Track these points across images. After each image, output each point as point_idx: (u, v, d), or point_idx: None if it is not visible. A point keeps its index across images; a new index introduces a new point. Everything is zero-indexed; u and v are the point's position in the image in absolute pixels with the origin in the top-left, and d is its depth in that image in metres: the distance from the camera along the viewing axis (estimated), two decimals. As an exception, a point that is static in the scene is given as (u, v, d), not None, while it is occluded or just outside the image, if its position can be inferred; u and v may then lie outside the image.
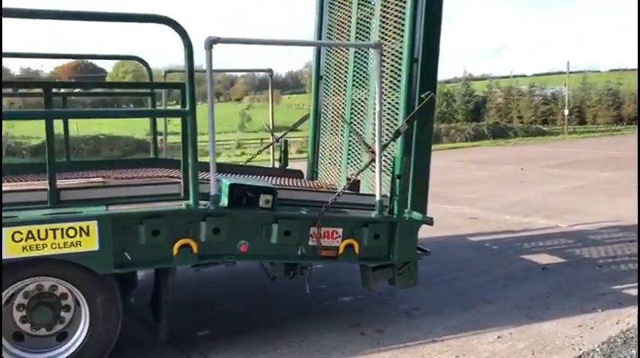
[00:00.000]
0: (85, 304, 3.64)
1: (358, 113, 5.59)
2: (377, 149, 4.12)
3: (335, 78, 6.13)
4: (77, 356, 3.62)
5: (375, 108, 4.99)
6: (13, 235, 3.30)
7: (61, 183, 4.48)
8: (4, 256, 3.29)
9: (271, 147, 6.58)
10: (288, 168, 6.48)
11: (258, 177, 5.61)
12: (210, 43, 3.62)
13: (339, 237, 4.10)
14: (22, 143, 35.64)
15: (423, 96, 4.47)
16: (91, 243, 3.47)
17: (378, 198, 4.15)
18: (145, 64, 6.12)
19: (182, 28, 3.51)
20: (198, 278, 5.29)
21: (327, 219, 4.03)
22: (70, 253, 3.43)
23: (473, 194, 12.01)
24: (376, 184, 4.15)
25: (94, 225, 3.47)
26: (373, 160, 4.20)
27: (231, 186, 3.81)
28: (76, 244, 3.44)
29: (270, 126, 6.63)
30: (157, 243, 3.61)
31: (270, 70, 6.67)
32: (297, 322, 4.61)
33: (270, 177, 5.70)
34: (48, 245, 3.38)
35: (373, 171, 4.37)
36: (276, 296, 4.96)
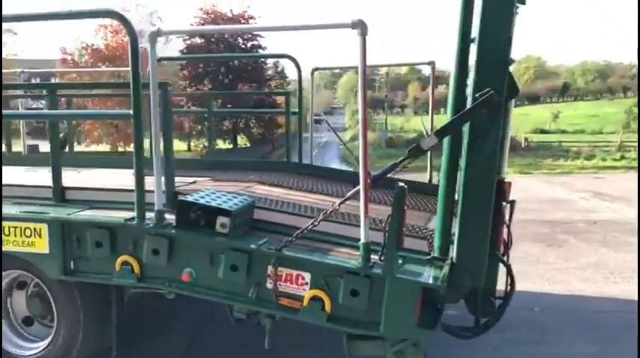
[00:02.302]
0: (53, 305, 3.66)
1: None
2: (360, 172, 2.91)
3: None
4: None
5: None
6: (-14, 226, 3.53)
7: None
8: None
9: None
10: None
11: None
12: (154, 36, 3.16)
13: (306, 284, 3.07)
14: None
15: (478, 95, 2.96)
16: (42, 246, 3.46)
17: (363, 240, 2.94)
18: (295, 61, 5.87)
19: (127, 21, 3.19)
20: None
21: (285, 258, 3.06)
22: (27, 252, 3.49)
23: None
24: (361, 220, 2.93)
25: (45, 228, 3.45)
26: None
27: (179, 203, 3.26)
28: (31, 244, 3.48)
29: (428, 128, 5.54)
30: (100, 255, 3.37)
31: (432, 63, 5.57)
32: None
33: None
34: (10, 241, 3.51)
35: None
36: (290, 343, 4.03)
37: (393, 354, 3.00)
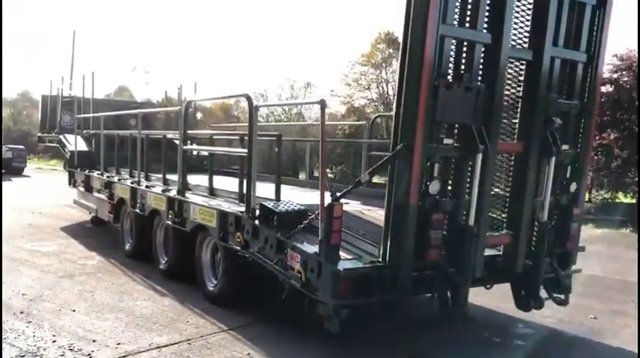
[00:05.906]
0: (221, 260, 6.35)
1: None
2: (320, 193, 4.59)
3: None
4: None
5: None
6: (199, 210, 6.52)
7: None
8: (199, 221, 6.53)
9: None
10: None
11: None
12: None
13: (298, 262, 4.83)
14: None
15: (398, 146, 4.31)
16: (213, 222, 6.20)
17: (320, 237, 4.59)
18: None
19: (250, 100, 5.67)
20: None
21: (290, 244, 4.92)
22: (209, 226, 6.30)
23: None
24: (319, 225, 4.58)
25: (214, 213, 6.19)
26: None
27: (260, 205, 5.49)
28: (210, 221, 6.27)
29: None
30: (231, 230, 5.89)
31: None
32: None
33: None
34: (206, 219, 6.38)
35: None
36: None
37: (332, 314, 4.47)
